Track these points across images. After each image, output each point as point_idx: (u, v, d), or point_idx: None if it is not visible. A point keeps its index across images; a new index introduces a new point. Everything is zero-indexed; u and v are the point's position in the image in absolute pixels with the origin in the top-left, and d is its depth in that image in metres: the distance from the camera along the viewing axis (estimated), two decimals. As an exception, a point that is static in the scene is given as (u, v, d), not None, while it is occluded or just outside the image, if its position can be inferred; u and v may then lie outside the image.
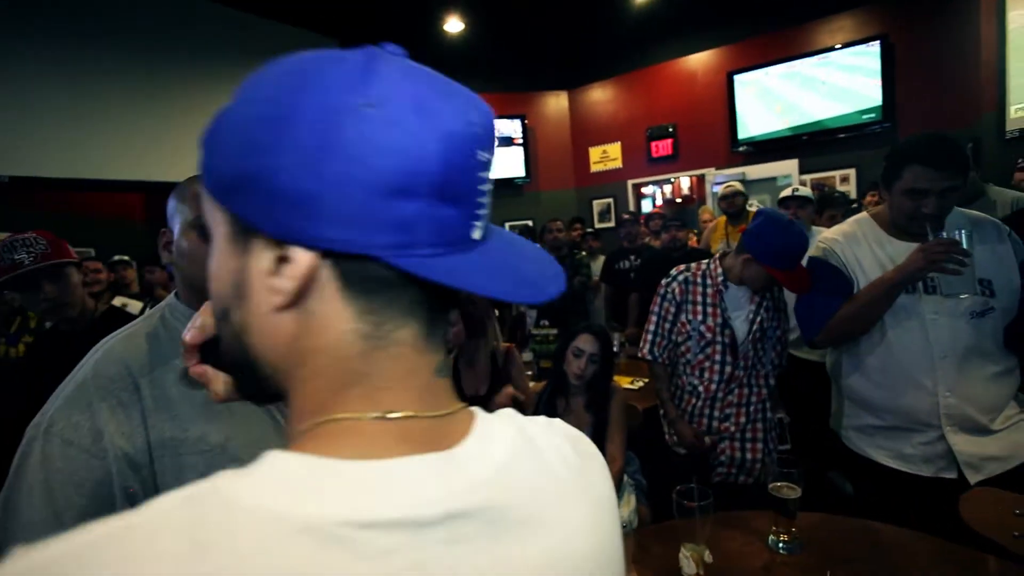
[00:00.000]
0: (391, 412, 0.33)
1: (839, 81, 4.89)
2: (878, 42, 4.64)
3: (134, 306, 3.42)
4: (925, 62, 4.54)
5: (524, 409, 1.96)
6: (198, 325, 0.48)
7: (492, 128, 0.35)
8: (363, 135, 0.30)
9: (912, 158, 1.43)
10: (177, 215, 0.90)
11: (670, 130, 6.00)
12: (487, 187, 0.35)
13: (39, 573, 0.24)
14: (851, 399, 1.67)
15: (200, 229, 0.86)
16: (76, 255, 1.72)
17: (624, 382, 2.77)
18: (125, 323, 1.61)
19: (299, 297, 0.33)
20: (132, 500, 0.74)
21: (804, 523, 1.38)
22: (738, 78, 5.41)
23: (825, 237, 1.70)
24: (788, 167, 5.28)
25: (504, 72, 6.49)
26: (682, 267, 2.02)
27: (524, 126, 6.49)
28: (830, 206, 3.35)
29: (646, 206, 6.17)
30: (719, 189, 3.88)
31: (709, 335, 1.90)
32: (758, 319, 1.87)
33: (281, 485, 0.29)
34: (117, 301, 3.33)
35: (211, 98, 4.52)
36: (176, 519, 0.27)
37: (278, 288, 0.33)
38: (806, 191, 2.99)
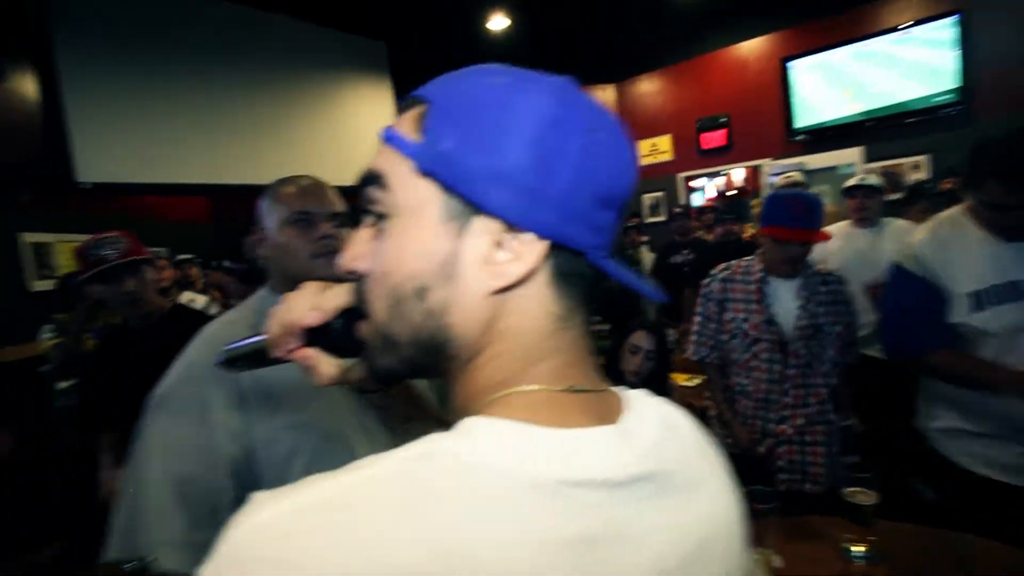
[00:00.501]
0: (576, 387, 0.38)
1: (909, 59, 4.56)
2: (954, 17, 4.30)
3: (199, 301, 3.61)
4: (1006, 37, 4.19)
5: None
6: (317, 306, 0.49)
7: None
8: (587, 151, 0.36)
9: (991, 172, 1.33)
10: (273, 213, 0.98)
11: (722, 121, 5.78)
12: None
13: (308, 513, 0.29)
14: (944, 401, 1.54)
15: (297, 223, 0.95)
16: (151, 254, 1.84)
17: (680, 380, 2.74)
18: (191, 318, 1.76)
19: (520, 282, 0.37)
20: (234, 467, 0.85)
21: (881, 531, 1.29)
22: (795, 64, 5.17)
23: (911, 242, 1.56)
24: (852, 155, 4.98)
25: (549, 68, 6.99)
26: (723, 265, 1.98)
27: None
28: (921, 198, 3.11)
29: (696, 200, 6.00)
30: (777, 180, 3.84)
31: (754, 333, 1.84)
32: (806, 314, 1.79)
33: (498, 447, 0.33)
34: (184, 297, 3.54)
35: (269, 106, 4.76)
36: (414, 471, 0.31)
37: (504, 272, 0.36)
38: (874, 179, 2.82)
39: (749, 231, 4.29)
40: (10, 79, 3.82)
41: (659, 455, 0.38)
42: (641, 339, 1.97)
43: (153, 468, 0.86)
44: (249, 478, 0.86)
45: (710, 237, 4.12)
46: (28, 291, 3.77)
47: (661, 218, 6.12)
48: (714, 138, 5.87)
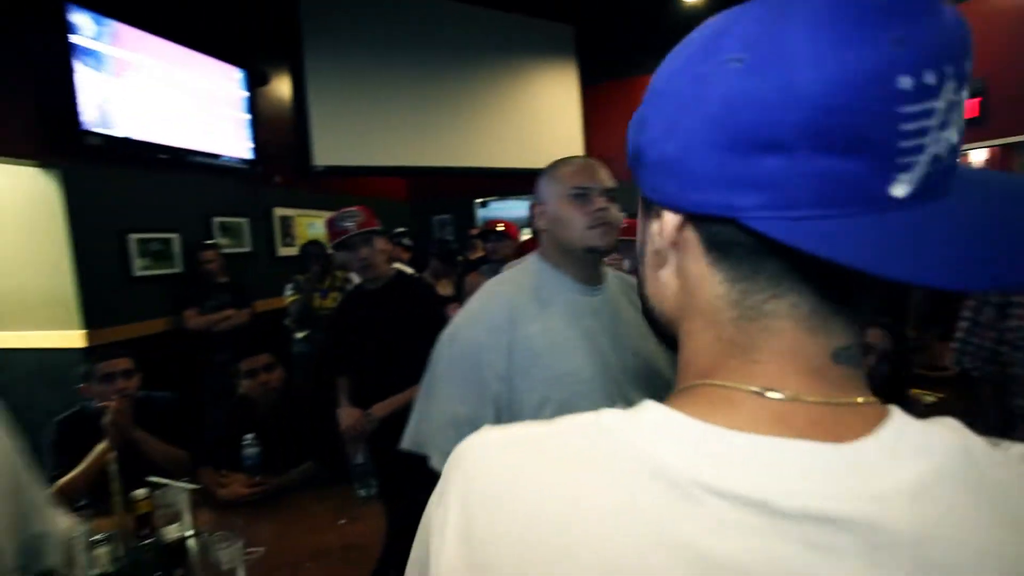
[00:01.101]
0: (770, 390, 0.31)
1: None
2: None
3: (408, 271, 4.09)
4: None
5: None
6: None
7: (952, 38, 0.27)
8: (722, 92, 0.29)
9: None
10: (551, 187, 1.10)
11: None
12: (926, 124, 0.27)
13: (501, 447, 0.35)
14: None
15: (574, 198, 1.07)
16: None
17: (927, 398, 2.22)
18: (412, 283, 2.10)
19: (668, 257, 0.36)
20: (496, 402, 1.03)
21: None
22: None
23: None
24: None
25: None
26: None
27: None
28: None
29: None
30: None
31: None
32: None
33: (653, 434, 0.31)
34: (396, 266, 4.03)
35: (460, 94, 5.18)
36: (580, 435, 0.33)
37: (656, 248, 0.37)
38: None
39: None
40: (272, 82, 4.66)
41: (899, 505, 0.27)
42: (874, 337, 1.74)
43: (439, 391, 1.07)
44: (508, 414, 1.03)
45: None
46: (276, 255, 4.61)
47: None
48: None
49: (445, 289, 3.49)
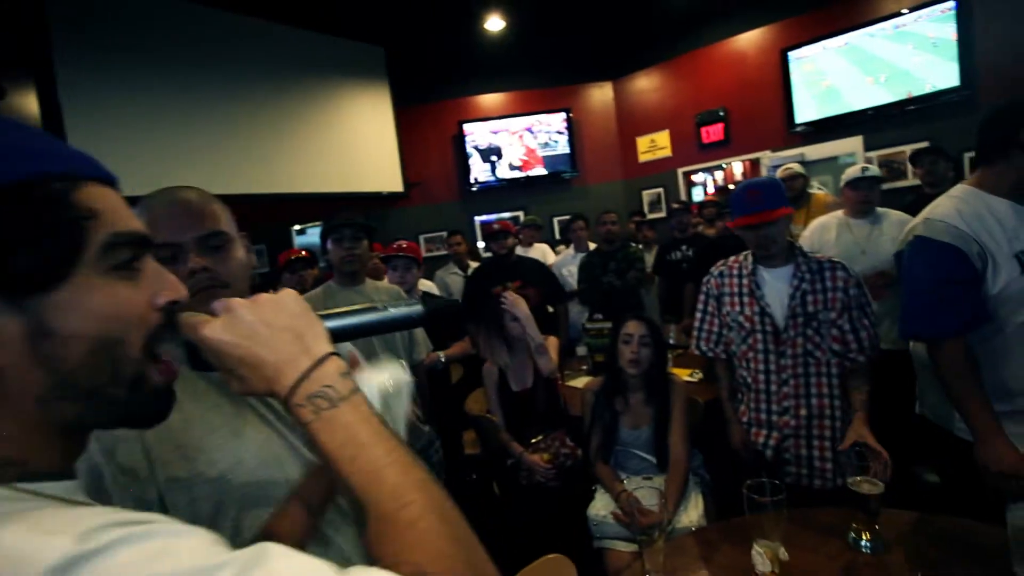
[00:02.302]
0: None
1: (909, 46, 4.47)
2: (952, 2, 4.18)
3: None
4: (1009, 21, 4.06)
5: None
6: None
7: None
8: None
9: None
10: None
11: (720, 114, 5.55)
12: None
13: None
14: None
15: (162, 259, 0.70)
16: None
17: (683, 375, 2.63)
18: None
19: None
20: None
21: (887, 521, 1.29)
22: (794, 54, 5.06)
23: (937, 215, 1.49)
24: (852, 144, 4.92)
25: (546, 67, 6.38)
26: (721, 262, 1.99)
27: (569, 120, 6.33)
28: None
29: (697, 194, 5.81)
30: (777, 173, 3.77)
31: (748, 325, 1.85)
32: (793, 303, 1.77)
33: None
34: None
35: (267, 114, 4.74)
36: None
37: None
38: (875, 170, 2.78)
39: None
40: (11, 96, 4.58)
41: None
42: (632, 327, 2.01)
43: None
44: None
45: (712, 232, 4.19)
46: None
47: (661, 215, 6.01)
48: (714, 131, 5.64)
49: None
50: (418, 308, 0.57)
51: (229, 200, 0.96)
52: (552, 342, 2.54)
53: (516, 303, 2.35)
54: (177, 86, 4.10)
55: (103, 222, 0.43)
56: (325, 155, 5.08)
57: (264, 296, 0.51)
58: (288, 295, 0.52)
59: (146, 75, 3.98)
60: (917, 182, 4.30)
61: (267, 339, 0.48)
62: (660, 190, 6.34)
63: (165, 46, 4.08)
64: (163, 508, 0.74)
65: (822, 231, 2.86)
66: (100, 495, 0.71)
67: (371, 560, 0.43)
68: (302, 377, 0.47)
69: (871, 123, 4.75)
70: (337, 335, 0.54)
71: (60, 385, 0.41)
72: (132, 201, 0.75)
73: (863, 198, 2.74)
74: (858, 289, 1.79)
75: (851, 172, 2.81)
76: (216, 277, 0.81)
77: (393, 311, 0.56)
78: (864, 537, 1.27)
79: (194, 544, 0.35)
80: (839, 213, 2.88)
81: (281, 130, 4.81)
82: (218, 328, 0.49)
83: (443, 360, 2.76)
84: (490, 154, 6.21)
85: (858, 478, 1.30)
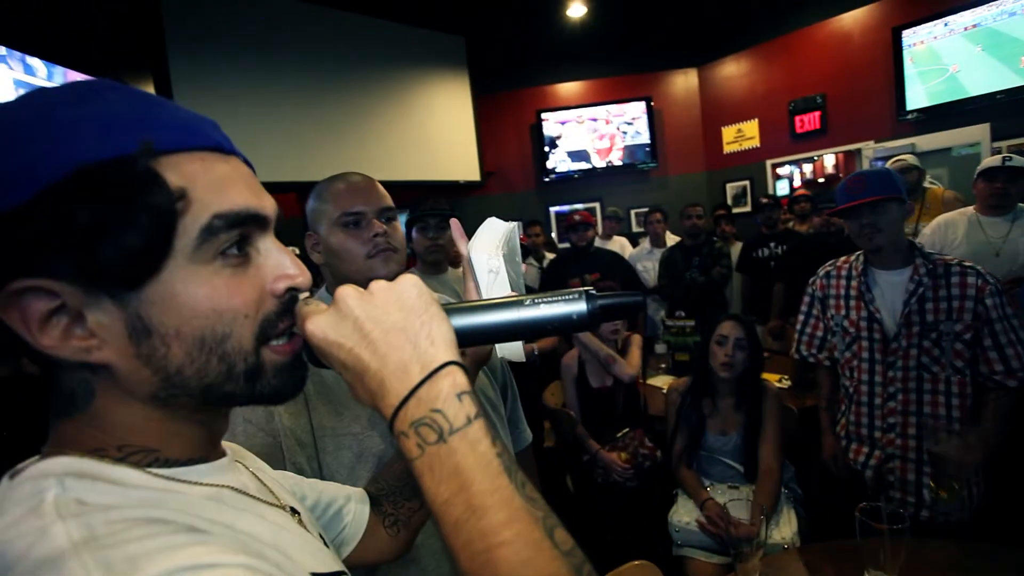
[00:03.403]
0: None
1: None
2: None
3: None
4: None
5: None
6: None
7: None
8: None
9: None
10: (321, 215, 0.95)
11: (818, 101, 5.15)
12: None
13: None
14: None
15: (346, 226, 0.92)
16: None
17: (771, 380, 2.31)
18: None
19: None
20: (299, 472, 0.78)
21: (1015, 562, 1.20)
22: (909, 32, 4.54)
23: None
24: (975, 133, 4.40)
25: (628, 53, 6.17)
26: (830, 262, 1.84)
27: (650, 108, 6.09)
28: None
29: (782, 188, 5.42)
30: (888, 164, 3.32)
31: (853, 330, 1.71)
32: (908, 310, 1.59)
33: None
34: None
35: (349, 104, 4.86)
36: None
37: None
38: (1020, 160, 2.42)
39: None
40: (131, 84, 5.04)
41: None
42: (727, 328, 1.94)
43: None
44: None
45: (804, 228, 3.88)
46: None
47: (746, 208, 5.75)
48: (810, 120, 5.22)
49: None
50: (581, 307, 0.44)
51: (309, 186, 1.05)
52: (635, 339, 2.47)
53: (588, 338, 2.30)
54: (268, 78, 4.34)
55: (202, 202, 0.37)
56: (406, 144, 5.17)
57: (379, 285, 0.42)
58: (408, 282, 0.42)
59: (242, 67, 4.24)
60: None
61: (374, 341, 0.40)
62: (746, 183, 5.98)
63: (259, 40, 4.30)
64: (315, 449, 0.85)
65: (947, 229, 2.56)
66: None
67: None
68: (408, 395, 0.38)
69: (1001, 109, 4.18)
70: (467, 337, 0.43)
71: (169, 385, 0.38)
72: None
73: (997, 191, 2.42)
74: (998, 298, 1.56)
75: (989, 161, 2.50)
76: (391, 242, 0.93)
77: (546, 309, 0.44)
78: (939, 496, 1.35)
79: None
80: (968, 210, 2.57)
81: (364, 119, 4.96)
82: (322, 323, 0.41)
83: (536, 353, 2.71)
84: (568, 143, 6.13)
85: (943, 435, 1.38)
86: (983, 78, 4.24)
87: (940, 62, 4.45)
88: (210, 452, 0.44)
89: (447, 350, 0.40)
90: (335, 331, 0.40)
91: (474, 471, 0.36)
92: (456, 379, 0.39)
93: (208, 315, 0.38)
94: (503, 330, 0.44)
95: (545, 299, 0.44)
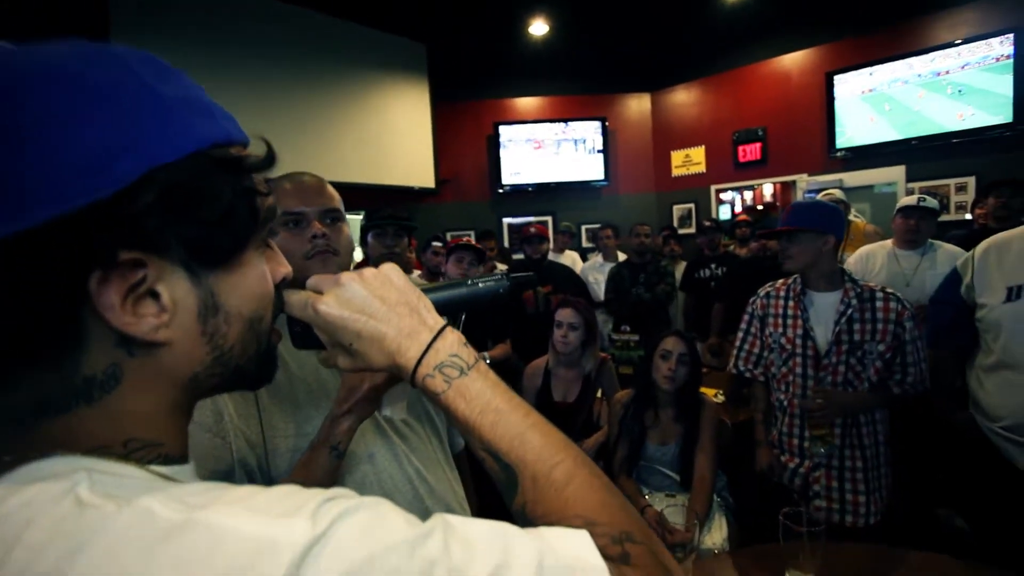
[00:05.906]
0: None
1: (959, 77, 4.32)
2: (1010, 35, 4.04)
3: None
4: None
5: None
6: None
7: None
8: None
9: None
10: None
11: (759, 133, 5.56)
12: None
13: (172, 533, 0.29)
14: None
15: (286, 225, 0.91)
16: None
17: (708, 394, 2.41)
18: None
19: None
20: (250, 477, 0.81)
21: (918, 562, 1.33)
22: (840, 78, 4.97)
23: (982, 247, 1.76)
24: (893, 174, 4.83)
25: (586, 74, 6.39)
26: (770, 283, 1.97)
27: (604, 128, 6.29)
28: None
29: (724, 212, 5.76)
30: (817, 197, 3.56)
31: (789, 347, 1.83)
32: (838, 329, 1.74)
33: None
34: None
35: (307, 104, 4.76)
36: None
37: None
38: (933, 202, 2.72)
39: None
40: None
41: None
42: (671, 344, 2.02)
43: None
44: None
45: (743, 252, 4.12)
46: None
47: (690, 230, 5.97)
48: (752, 151, 5.59)
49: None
50: (504, 283, 0.59)
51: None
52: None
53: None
54: (218, 70, 4.15)
55: (268, 197, 0.43)
56: (362, 146, 5.11)
57: (369, 270, 0.50)
58: (392, 269, 0.51)
59: (188, 59, 3.97)
60: (960, 216, 4.33)
61: (385, 313, 0.48)
62: (691, 205, 6.30)
63: (212, 30, 4.15)
64: (265, 449, 0.83)
65: (867, 259, 2.84)
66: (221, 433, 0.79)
67: (525, 522, 0.43)
68: (427, 348, 0.47)
69: (914, 153, 4.66)
70: (436, 308, 0.54)
71: (218, 362, 0.41)
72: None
73: (913, 227, 2.68)
74: (913, 323, 1.76)
75: (906, 200, 2.77)
76: (331, 244, 0.93)
77: (481, 285, 0.58)
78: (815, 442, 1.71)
79: (389, 511, 0.34)
80: (887, 243, 2.85)
81: (321, 119, 4.84)
82: (333, 303, 0.47)
83: (487, 360, 2.71)
84: (522, 157, 6.20)
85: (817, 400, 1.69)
86: (900, 124, 4.69)
87: (864, 107, 4.88)
88: (186, 454, 0.44)
89: (439, 317, 0.51)
90: (348, 308, 0.47)
91: (495, 390, 0.47)
92: (456, 335, 0.49)
93: (260, 297, 0.43)
94: (458, 301, 0.58)
95: (482, 279, 0.59)
